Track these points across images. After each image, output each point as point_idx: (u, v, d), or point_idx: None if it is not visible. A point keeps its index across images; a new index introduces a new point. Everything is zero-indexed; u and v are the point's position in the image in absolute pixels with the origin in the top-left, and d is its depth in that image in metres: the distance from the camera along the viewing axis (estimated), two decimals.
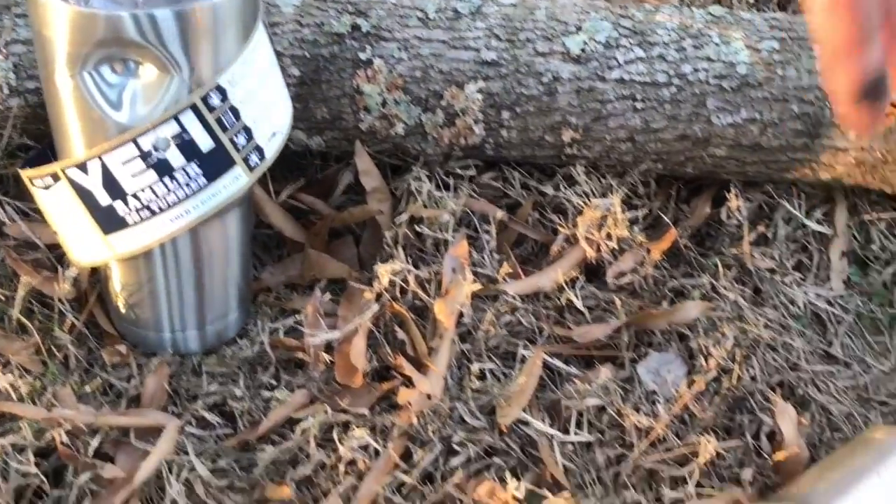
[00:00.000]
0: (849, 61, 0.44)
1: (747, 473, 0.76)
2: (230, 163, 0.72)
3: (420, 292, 0.83)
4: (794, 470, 0.77)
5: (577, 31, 0.85)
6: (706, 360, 0.80)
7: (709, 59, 0.84)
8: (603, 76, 0.84)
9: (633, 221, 0.87)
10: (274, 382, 0.80)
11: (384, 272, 0.81)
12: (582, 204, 0.86)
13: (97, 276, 0.81)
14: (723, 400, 0.79)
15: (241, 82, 0.71)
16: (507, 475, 0.72)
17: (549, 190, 0.89)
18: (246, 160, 0.73)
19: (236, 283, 0.82)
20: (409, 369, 0.78)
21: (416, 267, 0.84)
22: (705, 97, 0.84)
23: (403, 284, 0.82)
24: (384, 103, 0.84)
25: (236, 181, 0.73)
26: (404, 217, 0.85)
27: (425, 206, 0.85)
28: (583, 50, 0.84)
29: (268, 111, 0.73)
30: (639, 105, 0.84)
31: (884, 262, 0.92)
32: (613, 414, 0.78)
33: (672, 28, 0.85)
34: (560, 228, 0.87)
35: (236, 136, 0.71)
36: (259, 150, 0.73)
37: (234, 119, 0.71)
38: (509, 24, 0.85)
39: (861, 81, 0.45)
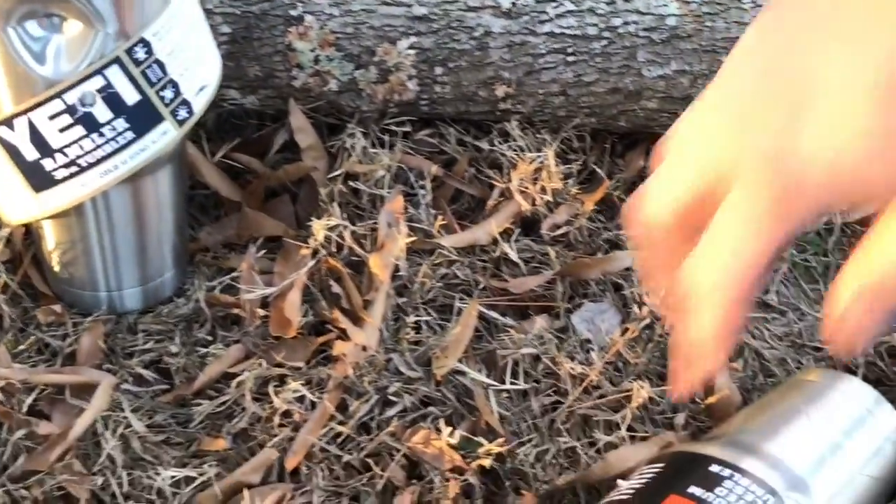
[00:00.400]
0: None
1: (680, 418, 0.77)
2: (158, 117, 0.72)
3: (356, 247, 0.83)
4: (726, 413, 0.78)
5: None
6: (639, 308, 0.81)
7: (638, 12, 0.85)
8: (534, 30, 0.85)
9: (567, 175, 0.88)
10: (210, 339, 0.80)
11: (319, 228, 0.81)
12: (516, 158, 0.87)
13: (31, 236, 0.81)
14: (656, 346, 0.80)
15: (166, 36, 0.71)
16: (443, 424, 0.73)
17: (484, 145, 0.90)
18: (174, 114, 0.73)
19: (171, 241, 0.82)
20: (344, 322, 0.78)
21: (353, 223, 0.84)
22: (636, 50, 0.85)
23: (339, 240, 0.83)
24: (317, 60, 0.85)
25: (165, 135, 0.73)
26: (339, 173, 0.85)
27: (360, 163, 0.86)
28: (513, 4, 0.85)
29: (195, 65, 0.73)
30: (570, 59, 0.85)
31: None
32: (548, 363, 0.79)
33: None
34: (495, 183, 0.87)
35: (163, 89, 0.71)
36: (187, 104, 0.73)
37: (160, 73, 0.71)
38: None
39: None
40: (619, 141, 0.94)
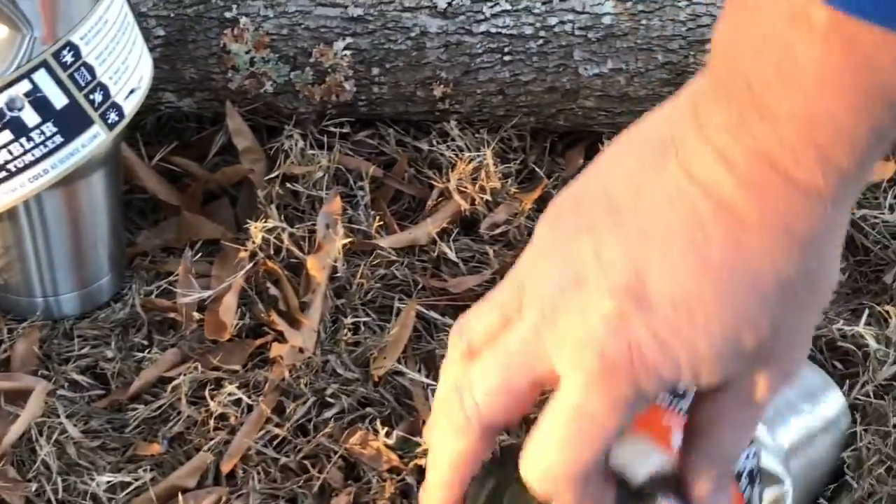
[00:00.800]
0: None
1: None
2: (87, 121, 0.71)
3: (295, 250, 0.83)
4: None
5: None
6: None
7: (574, 11, 0.85)
8: (470, 30, 0.85)
9: (506, 174, 0.88)
10: (146, 343, 0.80)
11: (257, 231, 0.81)
12: (455, 158, 0.87)
13: None
14: None
15: (94, 39, 0.70)
16: (380, 424, 0.73)
17: (424, 146, 0.90)
18: (104, 117, 0.72)
19: (108, 246, 0.81)
20: (281, 324, 0.78)
21: (291, 225, 0.84)
22: (572, 49, 0.85)
23: (278, 242, 0.82)
24: (252, 62, 0.84)
25: (95, 139, 0.72)
26: (276, 175, 0.85)
27: (298, 165, 0.85)
28: (449, 4, 0.85)
29: (125, 68, 0.73)
30: (507, 58, 0.85)
31: None
32: None
33: None
34: (435, 183, 0.88)
35: (92, 93, 0.71)
36: (117, 107, 0.73)
37: (89, 76, 0.70)
38: None
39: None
40: (558, 140, 0.95)
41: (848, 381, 0.80)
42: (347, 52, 0.84)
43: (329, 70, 0.85)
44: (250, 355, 0.79)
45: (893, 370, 0.80)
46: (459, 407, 0.40)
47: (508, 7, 0.85)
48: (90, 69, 0.70)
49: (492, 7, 0.85)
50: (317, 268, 0.80)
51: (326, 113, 0.88)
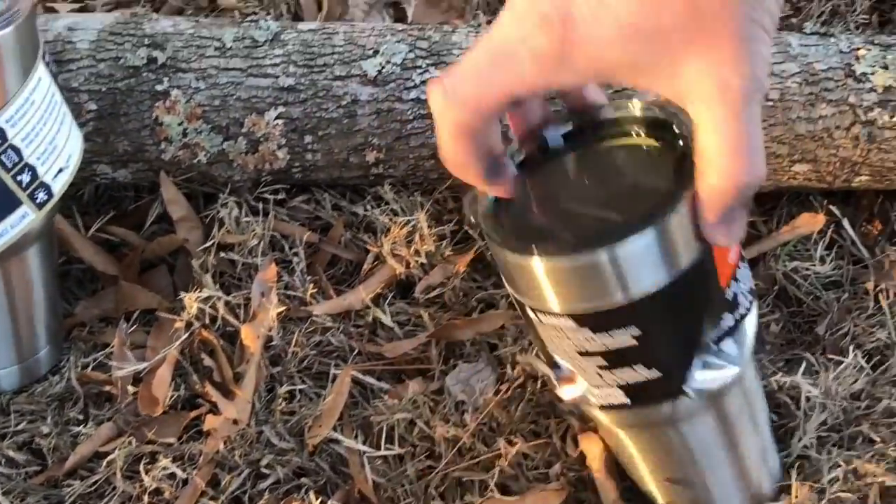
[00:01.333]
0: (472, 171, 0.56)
1: (555, 469, 0.78)
2: (15, 201, 0.72)
3: (231, 318, 0.83)
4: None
5: (375, 54, 0.87)
6: (513, 367, 0.82)
7: None
8: (401, 97, 0.86)
9: (441, 236, 0.89)
10: (82, 417, 0.80)
11: (191, 301, 0.81)
12: (389, 222, 0.88)
13: None
14: (528, 405, 0.81)
15: (20, 121, 0.71)
16: (313, 496, 0.73)
17: (360, 210, 0.91)
18: (32, 197, 0.73)
19: (45, 319, 0.82)
20: (215, 396, 0.78)
21: (229, 293, 0.85)
22: None
23: (213, 312, 0.83)
24: (185, 133, 0.85)
25: (24, 219, 0.73)
26: (211, 244, 0.85)
27: (232, 233, 0.86)
28: (379, 72, 0.86)
29: (52, 147, 0.73)
30: None
31: None
32: (423, 426, 0.79)
33: (467, 47, 0.88)
34: (370, 247, 0.88)
35: (20, 174, 0.71)
36: (46, 186, 0.73)
37: (16, 158, 0.71)
38: (307, 50, 0.87)
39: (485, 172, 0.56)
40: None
41: (787, 433, 0.81)
42: (279, 122, 0.85)
43: (262, 139, 0.86)
44: (185, 427, 0.79)
45: (828, 422, 0.82)
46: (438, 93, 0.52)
47: (437, 73, 0.86)
48: (17, 151, 0.71)
49: (421, 74, 0.86)
50: (251, 337, 0.81)
51: (262, 180, 0.89)
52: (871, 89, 0.90)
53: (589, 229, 0.55)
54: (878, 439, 0.81)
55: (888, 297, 0.93)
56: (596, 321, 0.56)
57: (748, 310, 0.61)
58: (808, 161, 0.91)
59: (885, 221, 1.00)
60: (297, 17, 1.07)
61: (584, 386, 0.62)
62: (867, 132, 0.90)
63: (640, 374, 0.59)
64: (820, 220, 0.96)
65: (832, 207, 0.98)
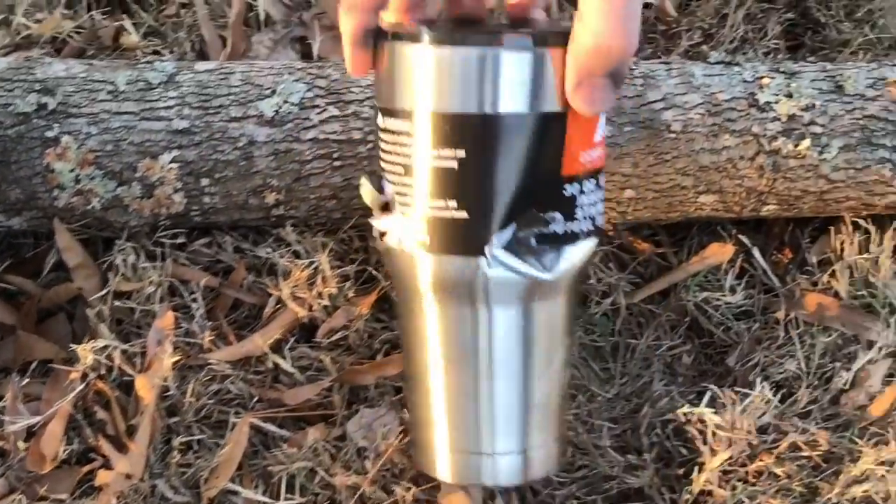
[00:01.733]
0: (355, 13, 0.59)
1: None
2: None
3: (128, 368, 0.82)
4: None
5: (272, 93, 0.85)
6: None
7: None
8: (299, 137, 0.85)
9: (345, 277, 0.88)
10: None
11: (85, 351, 0.80)
12: (291, 265, 0.87)
13: None
14: None
15: None
16: None
17: (262, 252, 0.89)
18: None
19: None
20: (107, 450, 0.77)
21: (127, 341, 0.83)
22: None
23: (109, 362, 0.81)
24: (77, 179, 0.83)
25: None
26: (107, 292, 0.84)
27: (128, 280, 0.84)
28: (276, 112, 0.85)
29: None
30: (337, 163, 0.85)
31: (601, 294, 0.95)
32: (324, 475, 0.78)
33: (366, 85, 0.86)
34: (272, 291, 0.87)
35: None
36: None
37: None
38: (203, 92, 0.85)
39: (360, 31, 0.60)
40: None
41: (696, 468, 0.80)
42: (174, 165, 0.84)
43: (157, 183, 0.84)
44: (79, 482, 0.77)
45: (733, 456, 0.81)
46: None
47: (336, 112, 0.85)
48: None
49: (319, 113, 0.85)
50: (145, 387, 0.79)
51: (160, 224, 0.87)
52: (775, 118, 0.90)
53: (479, 36, 0.58)
54: (782, 474, 0.80)
55: (798, 327, 0.93)
56: (436, 128, 0.58)
57: (582, 237, 0.61)
58: (713, 192, 0.91)
59: (795, 249, 1.00)
60: (201, 54, 1.05)
61: (398, 218, 0.62)
62: (772, 161, 0.90)
63: (449, 209, 0.59)
64: (729, 249, 0.96)
65: (741, 237, 0.98)
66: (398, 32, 0.59)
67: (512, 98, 0.57)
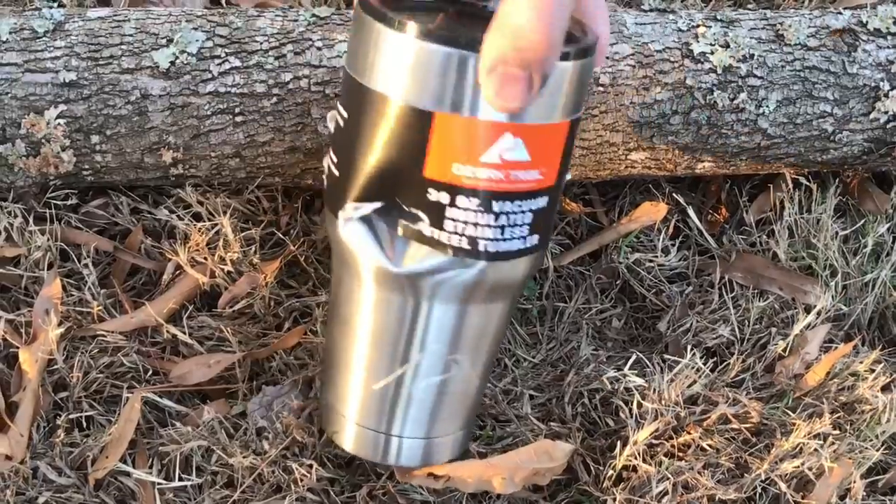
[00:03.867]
0: None
1: (362, 492, 0.72)
2: None
3: (14, 340, 0.76)
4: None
5: (168, 43, 0.79)
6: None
7: (310, 65, 0.79)
8: (197, 90, 0.78)
9: (249, 241, 0.82)
10: None
11: None
12: (191, 228, 0.81)
13: None
14: None
15: None
16: None
17: (162, 214, 0.83)
18: None
19: None
20: None
21: (16, 310, 0.77)
22: (309, 106, 0.79)
23: None
24: None
25: None
26: None
27: (14, 244, 0.78)
28: (172, 63, 0.78)
29: None
30: (239, 119, 0.79)
31: None
32: (221, 454, 0.73)
33: (272, 34, 0.80)
34: (170, 256, 0.81)
35: None
36: None
37: None
38: (93, 41, 0.79)
39: None
40: (316, 196, 0.89)
41: (619, 441, 0.76)
42: (62, 121, 0.77)
43: (43, 141, 0.78)
44: None
45: (660, 429, 0.77)
46: None
47: (238, 63, 0.79)
48: None
49: (220, 65, 0.79)
50: (29, 361, 0.73)
51: (50, 185, 0.81)
52: (710, 70, 0.84)
53: (379, 10, 0.56)
54: (710, 448, 0.76)
55: (732, 290, 0.89)
56: (342, 84, 0.61)
57: (452, 252, 0.59)
58: (644, 149, 0.85)
59: (732, 208, 0.95)
60: (103, 0, 0.98)
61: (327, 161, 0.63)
62: (706, 116, 0.85)
63: (333, 163, 0.62)
64: (662, 208, 0.91)
65: (676, 195, 0.93)
66: None
67: (385, 79, 0.56)
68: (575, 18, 0.60)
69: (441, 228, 0.58)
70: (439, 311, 0.64)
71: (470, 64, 0.54)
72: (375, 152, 0.58)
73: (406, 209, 0.58)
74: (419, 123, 0.56)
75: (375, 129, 0.57)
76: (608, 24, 0.61)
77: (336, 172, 0.61)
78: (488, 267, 0.60)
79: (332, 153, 0.62)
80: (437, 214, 0.58)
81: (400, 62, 0.55)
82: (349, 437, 0.71)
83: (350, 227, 0.60)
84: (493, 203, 0.58)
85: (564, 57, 0.55)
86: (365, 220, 0.60)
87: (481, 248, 0.59)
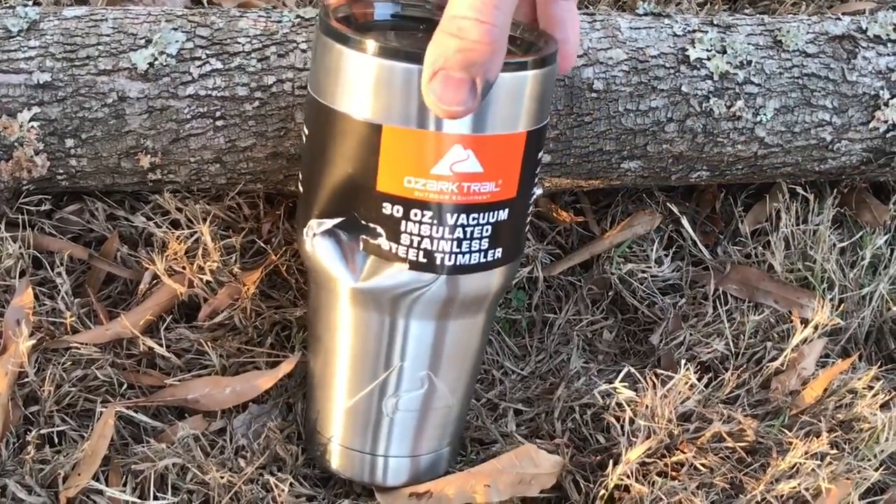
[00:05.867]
0: None
1: None
2: None
3: None
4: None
5: (147, 44, 0.76)
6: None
7: (294, 68, 0.77)
8: (176, 93, 0.76)
9: (229, 250, 0.79)
10: None
11: None
12: (168, 236, 0.78)
13: None
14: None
15: None
16: None
17: (139, 221, 0.81)
18: None
19: None
20: None
21: None
22: (292, 110, 0.77)
23: None
24: None
25: None
26: None
27: None
28: (151, 65, 0.75)
29: None
30: (220, 123, 0.76)
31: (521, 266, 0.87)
32: (197, 472, 0.70)
33: (255, 35, 0.77)
34: (147, 264, 0.78)
35: None
36: None
37: None
38: (68, 41, 0.76)
39: None
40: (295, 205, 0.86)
41: (611, 460, 0.73)
42: (35, 124, 0.75)
43: (16, 144, 0.75)
44: None
45: (653, 447, 0.74)
46: None
47: (219, 66, 0.76)
48: None
49: (200, 66, 0.76)
50: None
51: (23, 189, 0.78)
52: (707, 76, 0.82)
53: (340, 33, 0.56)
54: (704, 467, 0.74)
55: (727, 303, 0.86)
56: (306, 108, 0.61)
57: (410, 266, 0.59)
58: (638, 157, 0.83)
59: (727, 218, 0.93)
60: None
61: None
62: (702, 124, 0.82)
63: (299, 180, 0.63)
64: (656, 218, 0.89)
65: (670, 205, 0.90)
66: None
67: (336, 94, 0.57)
68: (536, 27, 0.61)
69: (398, 242, 0.58)
70: (414, 328, 0.63)
71: (415, 76, 0.53)
72: (334, 167, 0.58)
73: (364, 224, 0.59)
74: (370, 137, 0.56)
75: (332, 145, 0.58)
76: (577, 29, 0.60)
77: (301, 189, 0.62)
78: (450, 281, 0.60)
79: (300, 171, 0.63)
80: (392, 228, 0.58)
81: (347, 77, 0.56)
82: (335, 457, 0.70)
83: (315, 242, 0.61)
84: (448, 216, 0.57)
85: (522, 66, 0.55)
86: (329, 234, 0.60)
87: (438, 261, 0.59)
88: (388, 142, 0.55)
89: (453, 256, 0.59)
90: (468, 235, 0.58)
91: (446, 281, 0.60)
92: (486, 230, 0.59)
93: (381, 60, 0.55)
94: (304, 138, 0.61)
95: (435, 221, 0.57)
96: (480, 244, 0.59)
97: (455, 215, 0.57)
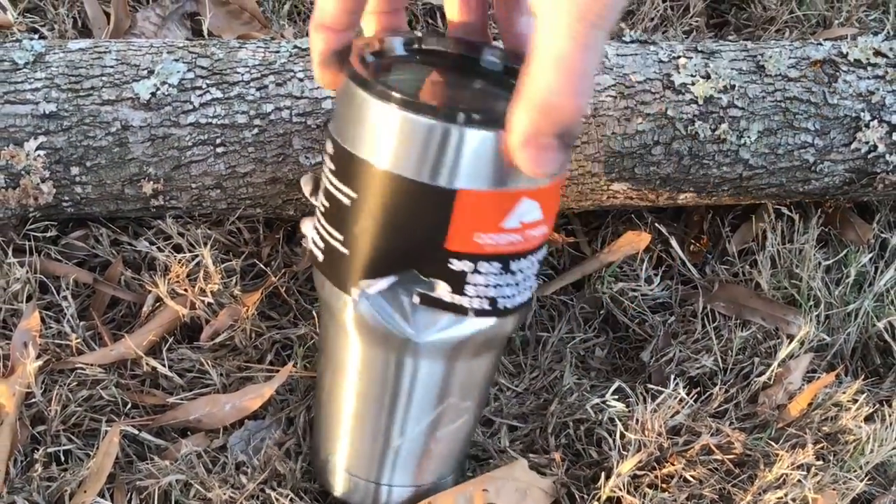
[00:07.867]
0: (324, 33, 0.56)
1: None
2: None
3: None
4: None
5: (149, 74, 0.79)
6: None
7: (292, 96, 0.79)
8: (178, 121, 0.78)
9: (230, 272, 0.82)
10: None
11: None
12: (171, 260, 0.80)
13: None
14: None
15: None
16: None
17: (142, 245, 0.83)
18: None
19: None
20: None
21: None
22: (290, 137, 0.79)
23: None
24: None
25: None
26: None
27: None
28: (153, 94, 0.78)
29: None
30: (220, 150, 0.79)
31: None
32: (200, 488, 0.72)
33: (254, 65, 0.80)
34: (150, 287, 0.81)
35: None
36: None
37: None
38: (73, 72, 0.79)
39: (328, 52, 0.56)
40: (298, 226, 0.88)
41: (603, 473, 0.75)
42: (41, 153, 0.77)
43: (23, 172, 0.77)
44: None
45: (643, 460, 0.76)
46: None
47: (219, 95, 0.79)
48: None
49: (200, 96, 0.79)
50: (6, 394, 0.73)
51: (30, 216, 0.81)
52: (692, 101, 0.85)
53: (383, 90, 0.54)
54: (693, 479, 0.76)
55: (715, 320, 0.89)
56: (340, 160, 0.57)
57: (472, 314, 0.59)
58: (626, 180, 0.85)
59: (715, 238, 0.95)
60: (85, 32, 0.98)
61: (311, 225, 0.62)
62: (688, 147, 0.85)
63: (336, 240, 0.58)
64: (645, 238, 0.91)
65: (658, 225, 0.93)
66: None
67: (400, 159, 0.54)
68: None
69: (462, 294, 0.58)
70: (426, 366, 0.64)
71: (492, 141, 0.53)
72: (393, 230, 0.56)
73: (424, 279, 0.58)
74: (442, 201, 0.55)
75: (393, 209, 0.56)
76: None
77: (343, 250, 0.58)
78: (509, 321, 0.61)
79: (329, 227, 0.59)
80: (458, 282, 0.57)
81: (420, 145, 0.54)
82: (339, 483, 0.71)
83: (367, 302, 0.59)
84: (512, 263, 0.58)
85: None
86: (386, 295, 0.59)
87: (500, 305, 0.59)
88: (462, 204, 0.55)
89: (513, 299, 0.60)
90: (525, 276, 0.59)
91: (506, 322, 0.61)
92: (535, 268, 0.60)
93: (463, 128, 0.53)
94: (341, 199, 0.57)
95: (502, 271, 0.58)
96: (532, 282, 0.61)
97: (518, 261, 0.58)
